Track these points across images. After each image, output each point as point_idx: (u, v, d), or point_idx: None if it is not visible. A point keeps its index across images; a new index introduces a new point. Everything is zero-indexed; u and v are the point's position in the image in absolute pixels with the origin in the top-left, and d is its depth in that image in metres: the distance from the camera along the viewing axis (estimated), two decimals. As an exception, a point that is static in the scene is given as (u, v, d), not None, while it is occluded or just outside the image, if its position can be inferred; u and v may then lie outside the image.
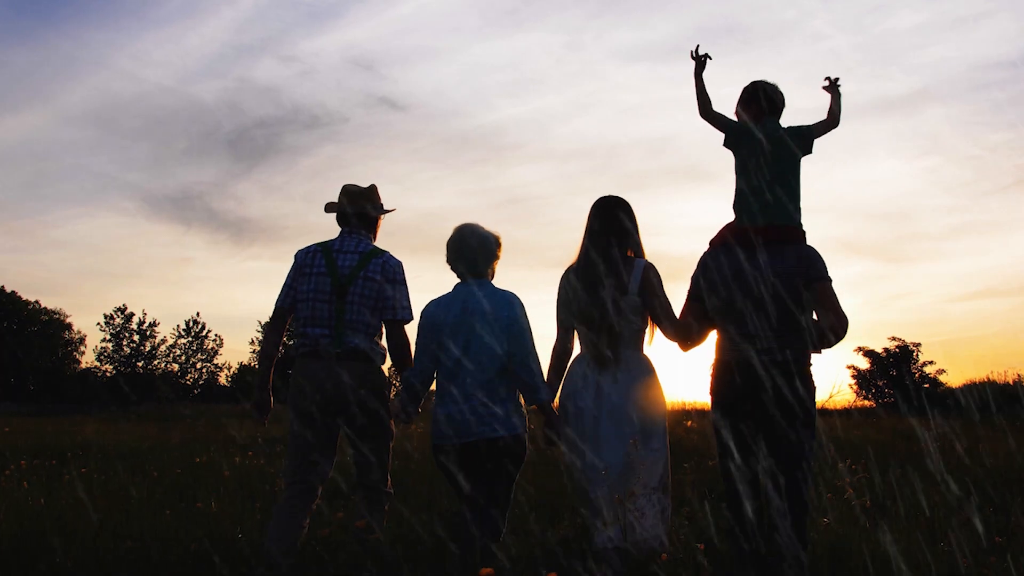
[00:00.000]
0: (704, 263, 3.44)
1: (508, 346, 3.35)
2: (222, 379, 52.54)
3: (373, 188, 3.87)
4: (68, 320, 53.59)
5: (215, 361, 52.42)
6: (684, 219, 56.63)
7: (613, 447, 3.27)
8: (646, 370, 3.40)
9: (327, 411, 3.54)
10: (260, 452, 8.18)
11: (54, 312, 53.09)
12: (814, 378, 3.24)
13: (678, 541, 3.27)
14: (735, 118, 3.55)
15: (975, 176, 61.57)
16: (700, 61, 3.53)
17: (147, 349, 49.52)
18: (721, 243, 3.44)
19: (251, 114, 70.41)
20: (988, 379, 27.94)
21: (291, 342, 3.89)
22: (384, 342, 3.73)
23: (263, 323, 46.49)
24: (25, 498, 4.81)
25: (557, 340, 3.55)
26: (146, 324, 49.51)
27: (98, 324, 49.73)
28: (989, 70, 65.40)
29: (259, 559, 3.40)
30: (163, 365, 50.28)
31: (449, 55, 77.17)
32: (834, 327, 3.15)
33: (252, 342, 51.49)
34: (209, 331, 51.69)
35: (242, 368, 51.06)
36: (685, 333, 3.39)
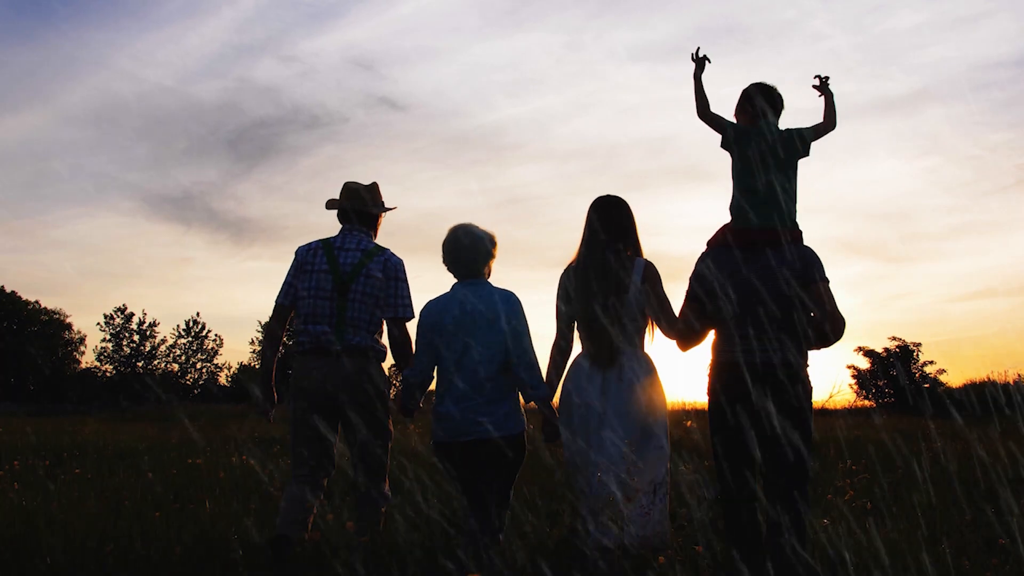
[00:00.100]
0: (701, 263, 3.45)
1: (507, 344, 3.36)
2: (222, 379, 52.60)
3: (374, 186, 3.87)
4: (68, 320, 53.69)
5: (215, 361, 52.52)
6: (684, 219, 56.60)
7: (615, 445, 3.26)
8: (647, 368, 3.41)
9: (327, 408, 3.54)
10: (257, 453, 8.15)
11: (54, 312, 53.17)
12: (811, 379, 3.25)
13: (676, 543, 3.24)
14: (734, 119, 3.56)
15: (975, 176, 61.51)
16: (700, 63, 3.55)
17: (147, 349, 49.53)
18: (718, 244, 3.45)
19: (251, 114, 70.41)
20: (988, 379, 27.96)
21: (290, 341, 3.86)
22: (384, 340, 3.72)
23: (263, 323, 46.45)
24: (18, 499, 4.77)
25: (556, 338, 3.55)
26: (146, 324, 49.57)
27: (98, 324, 49.79)
28: (989, 70, 65.36)
29: (254, 560, 3.37)
30: (163, 365, 50.33)
31: (449, 55, 77.15)
32: (831, 328, 3.16)
33: (252, 342, 51.53)
34: (209, 331, 51.79)
35: (242, 368, 51.03)
36: (684, 332, 3.39)
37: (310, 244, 3.74)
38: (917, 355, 32.50)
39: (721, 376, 3.27)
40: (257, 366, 46.74)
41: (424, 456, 6.86)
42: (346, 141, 68.64)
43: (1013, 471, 5.80)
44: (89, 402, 39.38)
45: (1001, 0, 64.07)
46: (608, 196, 3.56)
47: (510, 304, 3.44)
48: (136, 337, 49.28)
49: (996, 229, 57.88)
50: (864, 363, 32.86)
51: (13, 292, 50.85)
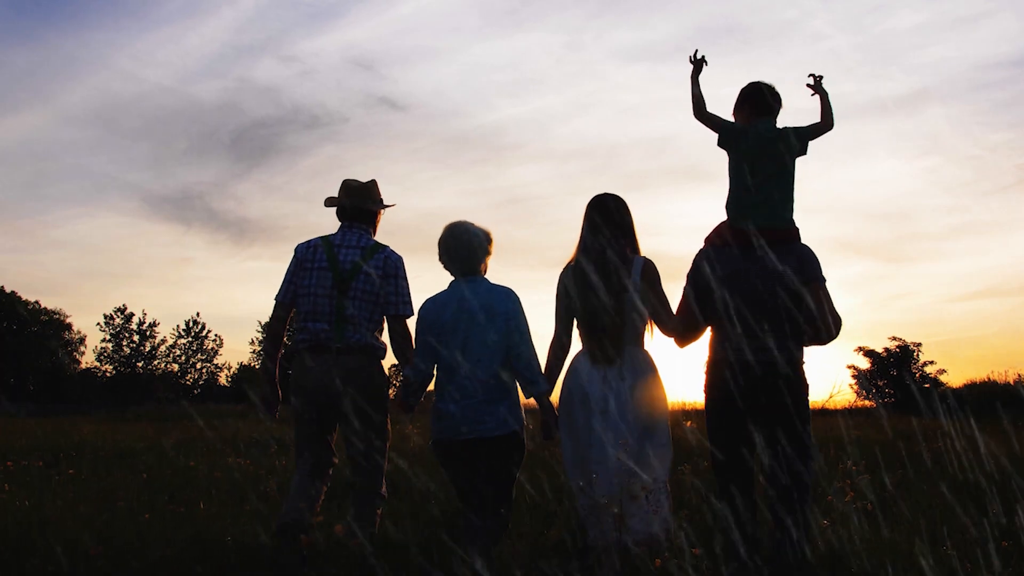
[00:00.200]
0: (699, 261, 3.46)
1: (507, 340, 3.38)
2: (222, 379, 52.59)
3: (373, 183, 3.86)
4: (68, 320, 53.71)
5: (215, 361, 52.52)
6: (684, 219, 56.67)
7: (616, 443, 3.25)
8: (648, 366, 3.41)
9: (326, 406, 3.54)
10: (253, 453, 8.12)
11: (54, 312, 53.19)
12: (807, 377, 3.26)
13: (674, 545, 3.21)
14: (732, 119, 3.57)
15: (975, 176, 61.57)
16: (698, 64, 3.58)
17: (147, 349, 49.55)
18: (716, 241, 3.46)
19: (251, 114, 70.51)
20: (988, 379, 27.96)
21: (289, 340, 3.85)
22: (384, 337, 3.72)
23: (263, 323, 46.46)
24: (11, 500, 4.74)
25: (555, 337, 3.56)
26: (146, 324, 49.60)
27: (98, 324, 49.81)
28: (989, 70, 65.42)
29: (246, 562, 3.35)
30: (163, 365, 50.32)
31: (449, 55, 77.13)
32: (828, 326, 3.18)
33: (252, 342, 51.59)
34: (209, 331, 51.83)
35: (242, 368, 51.02)
36: (681, 329, 3.41)
37: (310, 242, 3.74)
38: (917, 355, 32.51)
39: (718, 374, 3.27)
40: (258, 366, 46.77)
41: (422, 457, 6.83)
42: (346, 141, 68.73)
43: (1016, 471, 5.76)
44: (89, 402, 39.34)
45: (1001, 0, 64.09)
46: (606, 194, 3.57)
47: (509, 300, 3.45)
48: (136, 337, 49.31)
49: (996, 229, 57.98)
50: (864, 363, 32.87)
51: (13, 292, 50.89)
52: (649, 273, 3.42)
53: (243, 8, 70.67)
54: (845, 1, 73.99)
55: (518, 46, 76.41)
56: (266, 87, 69.54)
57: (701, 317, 3.40)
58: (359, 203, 3.79)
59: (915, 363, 32.37)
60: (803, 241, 3.41)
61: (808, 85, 3.62)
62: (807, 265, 3.25)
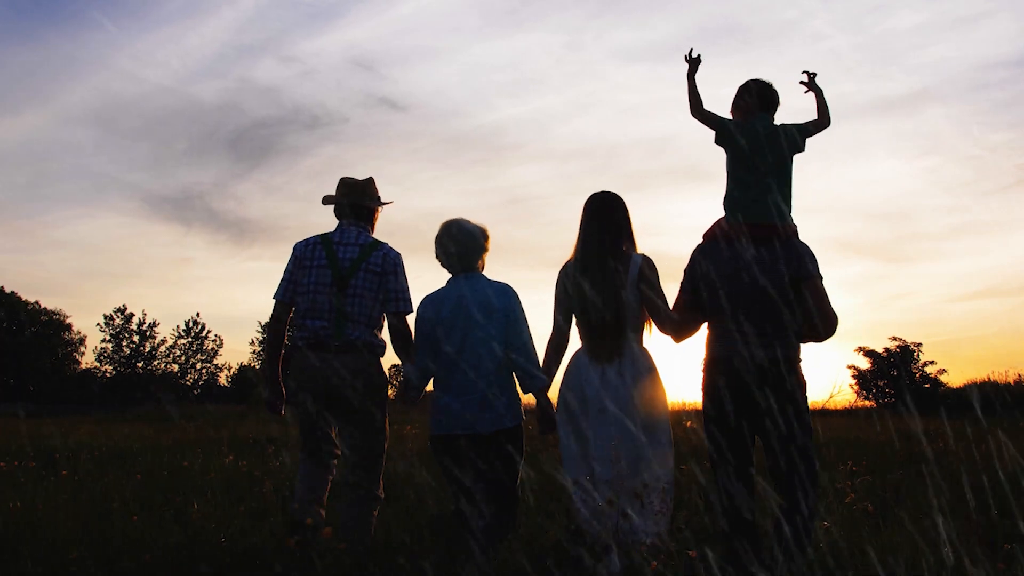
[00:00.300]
0: (696, 257, 3.47)
1: (505, 335, 3.41)
2: (222, 379, 52.54)
3: (370, 180, 3.86)
4: (68, 320, 53.67)
5: (215, 361, 52.47)
6: (684, 219, 56.75)
7: (615, 440, 3.26)
8: (648, 364, 3.43)
9: (325, 403, 3.54)
10: (250, 453, 8.10)
11: (54, 312, 53.16)
12: (804, 373, 3.27)
13: (672, 548, 3.17)
14: (730, 116, 3.58)
15: (975, 176, 61.56)
16: (693, 63, 3.60)
17: (147, 350, 49.53)
18: (713, 237, 3.47)
19: (251, 114, 70.53)
20: (989, 379, 27.93)
21: (289, 338, 3.84)
22: (383, 334, 3.72)
23: (263, 323, 46.45)
24: (2, 502, 4.70)
25: (553, 334, 3.58)
26: (146, 325, 49.59)
27: (98, 325, 49.84)
28: (989, 70, 65.36)
29: (240, 563, 3.31)
30: (163, 366, 50.29)
31: (449, 55, 77.18)
32: (824, 324, 3.20)
33: (252, 342, 51.55)
34: (209, 331, 51.82)
35: (242, 368, 50.99)
36: (678, 325, 3.42)
37: (308, 239, 3.73)
38: (917, 355, 32.50)
39: (715, 371, 3.28)
40: (258, 366, 46.79)
41: (420, 457, 6.80)
42: (346, 141, 68.74)
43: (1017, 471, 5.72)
44: (89, 403, 39.30)
45: (1001, 0, 64.05)
46: (603, 192, 3.59)
47: (507, 296, 3.48)
48: (136, 338, 49.29)
49: (996, 229, 57.94)
50: (864, 363, 32.86)
51: (13, 292, 50.88)
52: (647, 270, 3.44)
53: (243, 8, 70.74)
54: (845, 1, 74.07)
55: (518, 46, 76.50)
56: (266, 87, 69.61)
57: (697, 312, 3.41)
58: (357, 200, 3.79)
59: (915, 363, 32.34)
60: (801, 239, 3.40)
61: (802, 83, 3.62)
62: (804, 262, 3.26)
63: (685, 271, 3.49)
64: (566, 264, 3.58)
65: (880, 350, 32.70)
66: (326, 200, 3.85)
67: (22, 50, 70.83)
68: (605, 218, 3.49)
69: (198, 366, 51.78)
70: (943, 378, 31.59)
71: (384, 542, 3.76)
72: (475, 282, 3.50)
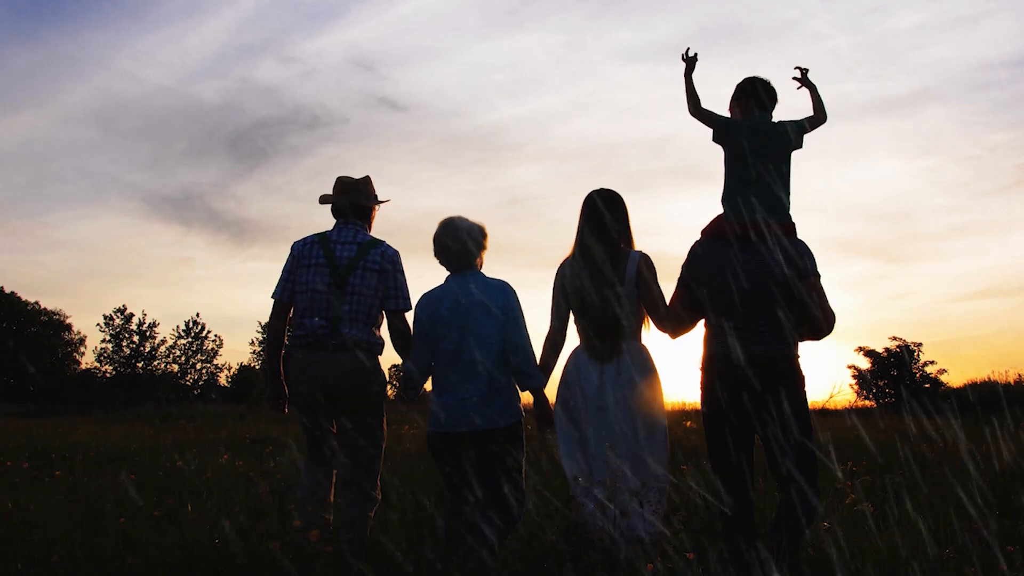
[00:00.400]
0: (694, 254, 3.47)
1: (503, 333, 3.41)
2: (222, 380, 52.52)
3: (367, 179, 3.87)
4: (68, 321, 53.69)
5: (215, 362, 52.45)
6: (684, 219, 56.79)
7: (614, 437, 3.27)
8: (646, 362, 3.43)
9: (323, 402, 3.53)
10: (250, 453, 8.07)
11: (54, 313, 53.19)
12: (802, 369, 3.27)
13: (669, 549, 3.14)
14: (729, 114, 3.58)
15: (975, 176, 61.53)
16: (690, 62, 3.60)
17: (147, 350, 49.52)
18: (711, 234, 3.47)
19: (252, 114, 70.55)
20: (989, 379, 27.90)
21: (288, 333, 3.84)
22: (381, 333, 3.72)
23: (263, 323, 46.41)
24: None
25: (550, 331, 3.59)
26: (146, 325, 49.57)
27: (98, 325, 49.82)
28: (989, 70, 65.15)
29: (234, 565, 3.28)
30: (163, 366, 50.26)
31: (449, 55, 77.15)
32: (821, 322, 3.20)
33: (252, 343, 51.52)
34: (209, 332, 51.79)
35: (242, 368, 50.97)
36: (675, 323, 3.42)
37: (306, 239, 3.74)
38: (918, 355, 32.46)
39: (713, 369, 3.27)
40: (258, 366, 46.79)
41: (418, 456, 6.76)
42: (346, 141, 68.72)
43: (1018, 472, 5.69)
44: (89, 403, 39.30)
45: (1001, 0, 64.02)
46: (602, 189, 3.59)
47: (505, 293, 3.48)
48: (136, 338, 49.28)
49: (996, 229, 57.92)
50: (865, 363, 32.83)
51: (13, 292, 50.87)
52: (645, 267, 3.45)
53: (243, 8, 70.75)
54: (845, 1, 74.01)
55: (518, 46, 76.48)
56: (266, 87, 69.61)
57: (694, 308, 3.40)
58: (353, 199, 3.80)
59: (916, 363, 32.31)
60: (800, 238, 3.39)
61: (795, 79, 3.62)
62: (802, 259, 3.25)
63: (682, 268, 3.49)
64: (564, 261, 3.58)
65: (880, 350, 32.68)
66: (323, 200, 3.85)
67: (22, 50, 70.91)
68: (603, 215, 3.49)
69: (198, 366, 51.82)
70: (943, 378, 31.59)
71: (381, 542, 3.73)
72: (473, 280, 3.51)
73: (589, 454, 3.30)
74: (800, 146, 3.49)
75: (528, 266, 45.57)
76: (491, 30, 79.58)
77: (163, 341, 50.21)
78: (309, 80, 70.00)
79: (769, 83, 3.52)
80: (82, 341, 54.06)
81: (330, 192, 3.87)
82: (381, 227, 3.96)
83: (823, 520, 3.96)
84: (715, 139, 3.51)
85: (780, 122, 3.48)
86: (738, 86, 3.55)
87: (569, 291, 3.49)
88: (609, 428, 3.28)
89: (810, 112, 3.55)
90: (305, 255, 3.66)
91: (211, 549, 3.41)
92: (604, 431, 3.28)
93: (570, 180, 65.95)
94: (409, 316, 3.68)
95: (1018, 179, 60.20)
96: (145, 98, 69.12)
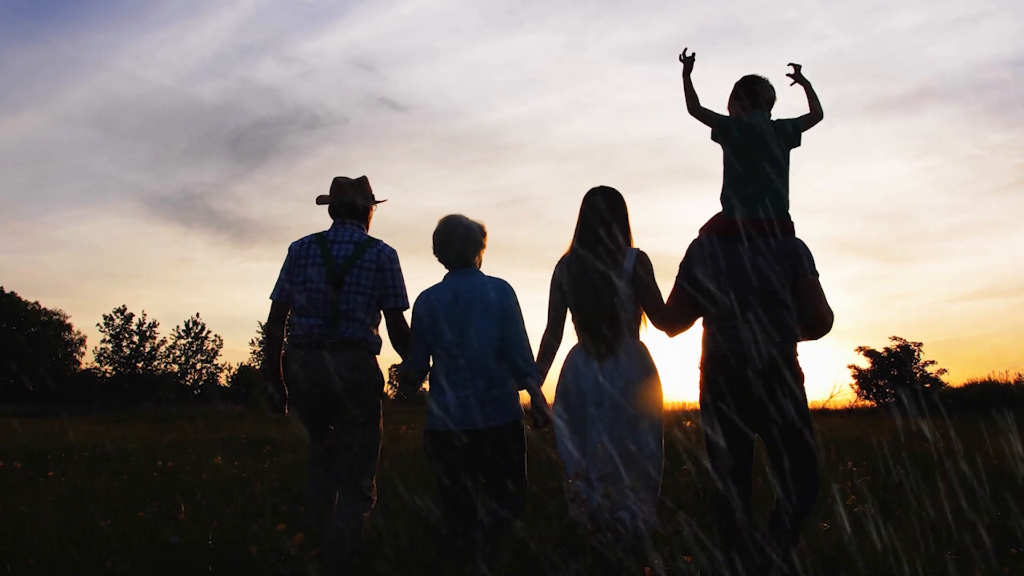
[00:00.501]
0: (692, 252, 3.46)
1: (501, 331, 3.41)
2: (222, 380, 52.49)
3: (364, 179, 3.87)
4: (68, 321, 53.66)
5: (215, 362, 52.41)
6: (684, 219, 56.86)
7: (611, 434, 3.27)
8: (644, 360, 3.43)
9: (321, 401, 3.53)
10: (244, 454, 8.04)
11: (54, 313, 53.16)
12: (802, 367, 3.26)
13: (664, 553, 3.12)
14: (727, 113, 3.58)
15: (975, 176, 61.53)
16: (688, 62, 3.60)
17: (147, 350, 49.47)
18: (709, 232, 3.46)
19: (252, 115, 70.61)
20: (989, 379, 27.89)
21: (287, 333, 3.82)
22: (378, 332, 3.71)
23: (263, 323, 46.42)
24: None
25: (547, 329, 3.60)
26: (146, 325, 49.52)
27: (98, 325, 49.73)
28: (989, 70, 65.16)
29: (228, 567, 3.25)
30: (163, 366, 50.23)
31: (449, 55, 77.28)
32: (820, 321, 3.21)
33: (252, 343, 51.47)
34: (209, 332, 51.71)
35: (242, 369, 50.93)
36: (672, 320, 3.41)
37: (303, 239, 3.74)
38: (918, 355, 32.43)
39: (712, 368, 3.27)
40: (258, 367, 46.77)
41: (415, 456, 6.73)
42: (346, 141, 68.80)
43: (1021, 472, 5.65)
44: (89, 403, 39.28)
45: (1001, 0, 64.01)
46: (601, 187, 3.60)
47: (503, 291, 3.49)
48: (136, 338, 49.24)
49: (996, 229, 57.90)
50: (865, 363, 32.80)
51: (13, 293, 50.85)
52: (642, 265, 3.45)
53: (243, 8, 70.81)
54: (845, 1, 74.10)
55: (518, 46, 76.58)
56: (267, 87, 69.69)
57: (692, 306, 3.40)
58: (350, 199, 3.79)
59: (916, 363, 32.28)
60: (798, 237, 3.37)
61: (788, 75, 3.61)
62: (801, 258, 3.24)
63: (680, 266, 3.48)
64: (562, 258, 3.58)
65: (880, 350, 32.65)
66: (320, 200, 3.85)
67: (22, 50, 70.99)
68: (602, 213, 3.48)
69: (198, 366, 51.76)
70: (943, 378, 31.57)
71: (375, 543, 3.70)
72: (472, 278, 3.51)
73: (587, 452, 3.31)
74: (798, 144, 3.48)
75: (528, 266, 45.59)
76: (491, 30, 79.74)
77: (163, 341, 50.21)
78: (309, 80, 70.15)
79: (767, 82, 3.52)
80: (82, 341, 54.11)
81: (328, 192, 3.85)
82: (380, 227, 3.95)
83: (823, 521, 3.93)
84: (714, 137, 3.51)
85: (778, 120, 3.48)
86: (736, 85, 3.55)
87: (566, 288, 3.49)
88: (606, 425, 3.28)
89: (807, 111, 3.54)
90: (302, 255, 3.66)
91: (201, 551, 3.38)
92: (601, 428, 3.28)
93: (570, 180, 66.08)
94: (407, 315, 3.68)
95: (1018, 179, 60.25)
96: (145, 98, 69.25)
